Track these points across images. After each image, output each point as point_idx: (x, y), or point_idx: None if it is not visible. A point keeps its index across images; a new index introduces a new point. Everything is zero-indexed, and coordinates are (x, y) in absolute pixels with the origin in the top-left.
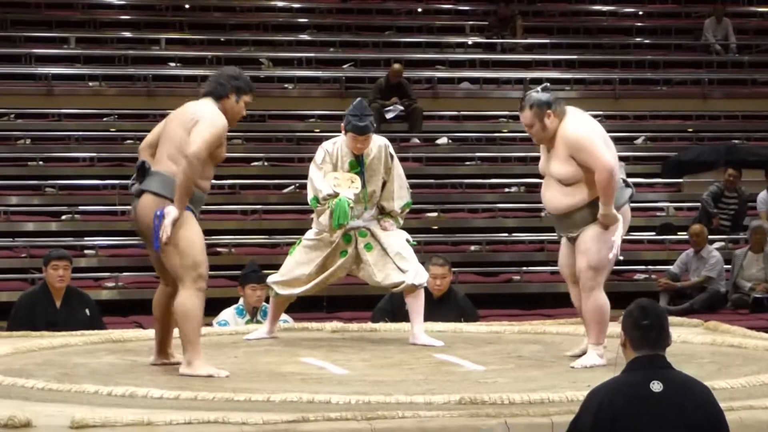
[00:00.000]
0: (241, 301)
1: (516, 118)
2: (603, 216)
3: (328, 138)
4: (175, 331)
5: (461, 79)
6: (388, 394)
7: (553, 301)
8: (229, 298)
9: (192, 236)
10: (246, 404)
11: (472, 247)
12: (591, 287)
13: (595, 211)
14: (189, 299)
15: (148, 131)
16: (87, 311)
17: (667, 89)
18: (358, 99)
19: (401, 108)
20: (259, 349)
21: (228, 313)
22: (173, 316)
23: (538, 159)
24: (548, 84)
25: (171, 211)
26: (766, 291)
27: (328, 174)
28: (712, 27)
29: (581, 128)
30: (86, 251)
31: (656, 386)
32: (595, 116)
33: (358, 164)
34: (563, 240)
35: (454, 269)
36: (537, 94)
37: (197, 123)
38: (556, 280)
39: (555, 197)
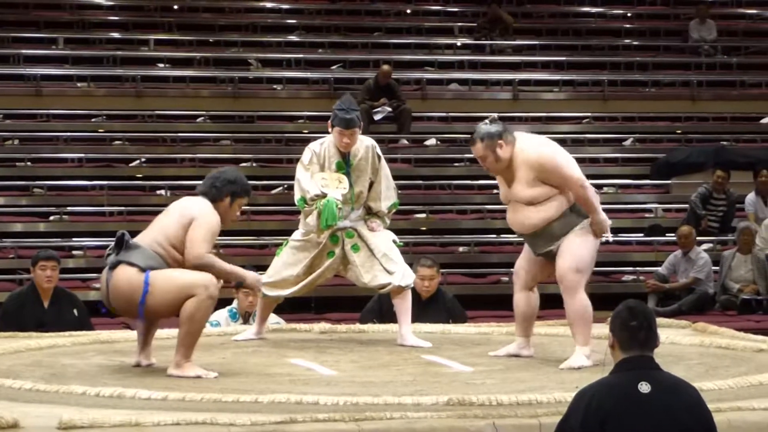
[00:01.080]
0: (235, 303)
1: (505, 119)
2: (595, 224)
3: (316, 139)
4: (166, 332)
5: (450, 81)
6: (376, 395)
7: (542, 303)
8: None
9: (169, 275)
10: (234, 405)
11: (461, 249)
12: (575, 289)
13: (571, 219)
14: (198, 304)
15: (137, 132)
16: (75, 312)
17: (656, 91)
18: (346, 94)
19: (389, 109)
20: (248, 350)
21: (221, 315)
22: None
23: None
24: (496, 115)
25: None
26: (755, 292)
27: (315, 174)
28: (697, 28)
29: (541, 150)
30: (74, 252)
31: (644, 387)
32: (583, 118)
33: (345, 165)
34: (527, 246)
35: (442, 270)
36: (486, 126)
37: (193, 222)
38: (544, 281)
39: (528, 216)
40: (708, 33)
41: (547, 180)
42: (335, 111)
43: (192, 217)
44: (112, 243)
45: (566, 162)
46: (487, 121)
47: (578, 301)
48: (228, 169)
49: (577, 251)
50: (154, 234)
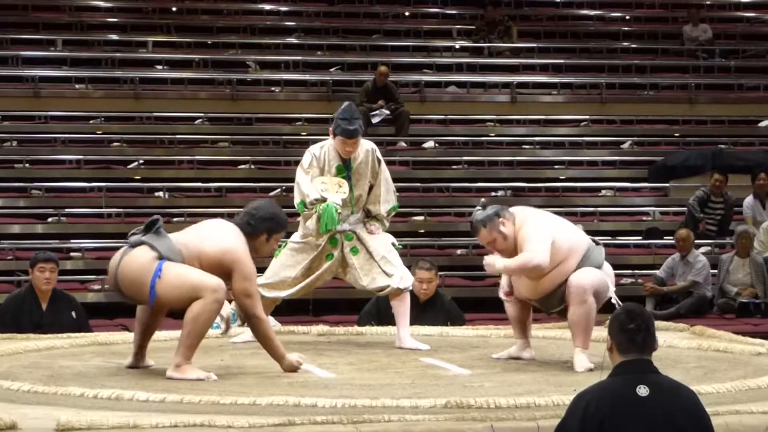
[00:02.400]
0: (233, 304)
1: (503, 122)
2: (503, 267)
3: (315, 141)
4: (163, 334)
5: (448, 83)
6: (374, 397)
7: None
8: None
9: (183, 270)
10: (232, 407)
11: (459, 251)
12: (583, 298)
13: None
14: (204, 306)
15: (135, 133)
16: (73, 314)
17: (654, 94)
18: (347, 103)
19: (387, 112)
20: (246, 353)
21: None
22: (157, 320)
23: (524, 163)
24: (484, 200)
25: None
26: (753, 296)
27: (315, 178)
28: (690, 31)
29: (531, 226)
30: (72, 254)
31: (643, 391)
32: (581, 120)
33: (345, 168)
34: None
35: (440, 273)
36: (481, 212)
37: (233, 267)
38: None
39: (531, 286)
40: (702, 35)
41: (520, 246)
42: (338, 121)
43: (233, 259)
44: (142, 225)
45: (540, 237)
46: (478, 207)
47: (585, 305)
48: (264, 205)
49: (582, 273)
50: (189, 238)
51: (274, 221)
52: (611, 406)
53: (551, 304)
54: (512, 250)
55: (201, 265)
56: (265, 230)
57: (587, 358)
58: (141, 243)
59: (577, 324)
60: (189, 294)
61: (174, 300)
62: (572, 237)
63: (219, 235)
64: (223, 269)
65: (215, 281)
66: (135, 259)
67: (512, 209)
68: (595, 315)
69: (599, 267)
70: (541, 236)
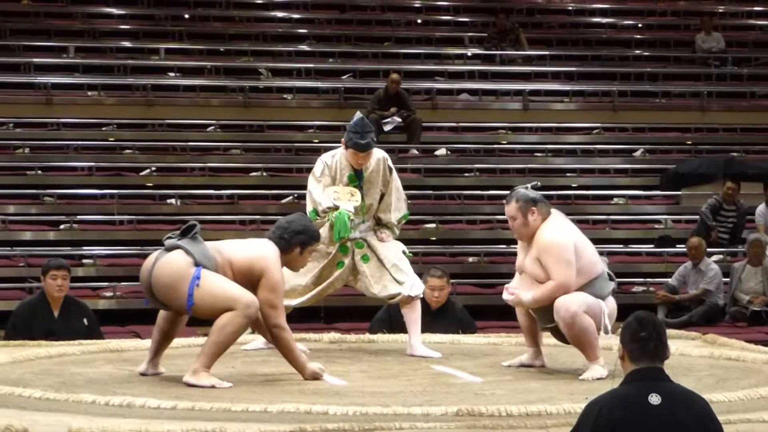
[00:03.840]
0: None
1: (515, 129)
2: (533, 300)
3: (326, 149)
4: (175, 341)
5: (460, 91)
6: (385, 405)
7: None
8: None
9: (221, 281)
10: (243, 415)
11: (470, 259)
12: (572, 321)
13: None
14: (233, 318)
15: (147, 140)
16: (85, 321)
17: (666, 101)
18: (359, 116)
19: (399, 120)
20: (257, 360)
21: None
22: (176, 329)
23: (536, 170)
24: (538, 183)
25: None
26: (765, 304)
27: (327, 188)
28: (703, 40)
29: (556, 235)
30: (84, 260)
31: (654, 399)
32: (593, 128)
33: (356, 177)
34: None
35: (452, 281)
36: (525, 190)
37: (263, 275)
38: None
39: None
40: (715, 44)
41: (542, 261)
42: (350, 134)
43: (263, 270)
44: (178, 230)
45: (567, 259)
46: (529, 185)
47: (576, 326)
48: (295, 218)
49: (568, 298)
50: (223, 245)
51: (307, 234)
52: (623, 414)
53: (545, 317)
54: (525, 238)
55: (233, 271)
56: (299, 243)
57: (600, 368)
58: (176, 247)
59: (576, 344)
60: (223, 305)
61: (208, 309)
62: (586, 259)
63: (253, 245)
64: (253, 276)
65: (250, 297)
66: (171, 264)
67: (554, 212)
68: (593, 329)
69: (601, 298)
70: (560, 257)
